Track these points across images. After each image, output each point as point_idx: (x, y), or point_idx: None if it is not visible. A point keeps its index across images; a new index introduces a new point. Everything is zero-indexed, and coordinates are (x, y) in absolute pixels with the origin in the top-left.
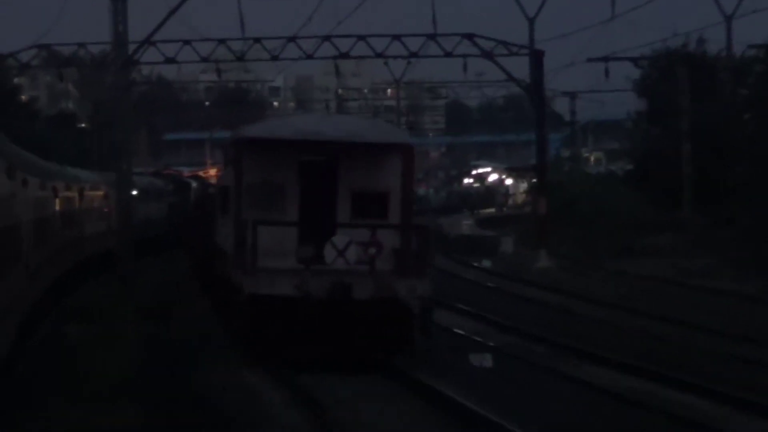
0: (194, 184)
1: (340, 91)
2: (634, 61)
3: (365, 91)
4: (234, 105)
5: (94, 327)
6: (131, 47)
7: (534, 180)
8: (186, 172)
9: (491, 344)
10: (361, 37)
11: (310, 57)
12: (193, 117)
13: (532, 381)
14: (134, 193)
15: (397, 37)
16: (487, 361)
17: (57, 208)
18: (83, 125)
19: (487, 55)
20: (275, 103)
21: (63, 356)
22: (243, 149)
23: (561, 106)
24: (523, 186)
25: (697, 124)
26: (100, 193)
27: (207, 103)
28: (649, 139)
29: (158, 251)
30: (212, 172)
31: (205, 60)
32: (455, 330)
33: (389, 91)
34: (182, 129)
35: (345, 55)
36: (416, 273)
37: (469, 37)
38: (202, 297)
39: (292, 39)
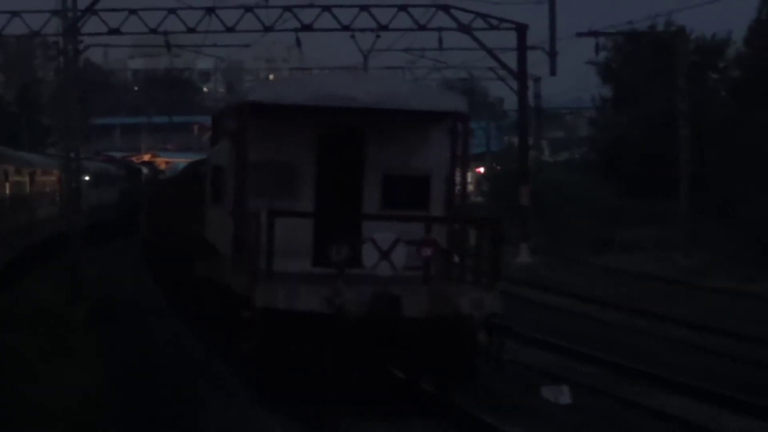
0: (145, 170)
1: (271, 76)
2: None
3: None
4: (165, 89)
5: (39, 336)
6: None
7: (479, 170)
8: (118, 157)
9: (524, 361)
10: (326, 8)
11: (269, 29)
12: (122, 101)
13: (614, 417)
14: (86, 178)
15: (365, 8)
16: (564, 395)
17: (7, 191)
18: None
19: (465, 29)
20: (205, 89)
21: None
22: (246, 117)
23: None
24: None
25: (669, 109)
26: (53, 177)
27: (136, 88)
28: (617, 127)
29: (110, 237)
30: (146, 157)
31: (153, 31)
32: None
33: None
34: (112, 114)
35: (308, 28)
36: (484, 283)
37: (445, 8)
38: (171, 301)
39: (249, 9)
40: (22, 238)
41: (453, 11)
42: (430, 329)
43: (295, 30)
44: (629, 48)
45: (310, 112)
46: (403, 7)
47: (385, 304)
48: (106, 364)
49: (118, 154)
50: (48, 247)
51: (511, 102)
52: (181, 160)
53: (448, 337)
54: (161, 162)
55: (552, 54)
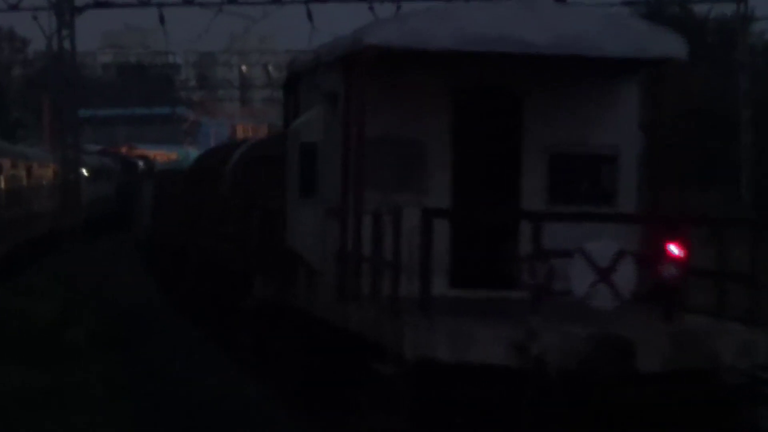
0: (141, 164)
1: (243, 67)
2: None
3: (270, 68)
4: (139, 80)
5: (33, 368)
6: None
7: None
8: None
9: None
10: None
11: (277, 1)
12: (92, 94)
13: None
14: (84, 173)
15: None
16: None
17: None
18: None
19: None
20: (175, 82)
21: None
22: (362, 70)
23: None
24: None
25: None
26: (49, 171)
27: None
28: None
29: (107, 232)
30: (123, 150)
31: (145, 4)
32: None
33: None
34: (83, 106)
35: None
36: (759, 319)
37: None
38: (205, 329)
39: None
40: (18, 233)
41: None
42: (669, 389)
43: (305, 2)
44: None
45: (446, 63)
46: None
47: (611, 354)
48: (129, 413)
49: (94, 147)
50: (45, 241)
51: None
52: (160, 153)
53: (697, 400)
54: (157, 155)
55: None
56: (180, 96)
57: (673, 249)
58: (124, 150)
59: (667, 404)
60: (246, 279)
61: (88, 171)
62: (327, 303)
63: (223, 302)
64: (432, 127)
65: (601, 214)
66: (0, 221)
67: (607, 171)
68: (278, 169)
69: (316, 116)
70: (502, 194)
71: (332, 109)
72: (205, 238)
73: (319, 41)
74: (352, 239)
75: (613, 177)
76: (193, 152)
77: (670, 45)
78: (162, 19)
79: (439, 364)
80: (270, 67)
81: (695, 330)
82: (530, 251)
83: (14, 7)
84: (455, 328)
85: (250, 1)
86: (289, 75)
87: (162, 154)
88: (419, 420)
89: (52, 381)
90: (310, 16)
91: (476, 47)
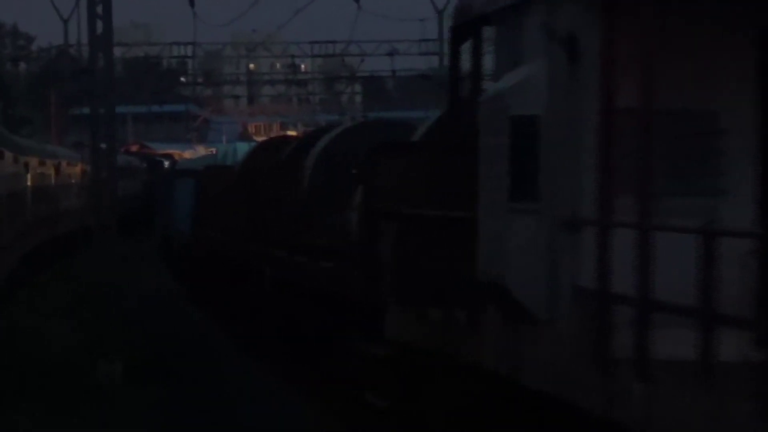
0: (166, 163)
1: (251, 65)
2: None
3: (278, 65)
4: (145, 77)
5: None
6: None
7: None
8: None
9: None
10: None
11: None
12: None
13: None
14: None
15: None
16: None
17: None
18: None
19: None
20: (182, 78)
21: None
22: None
23: None
24: None
25: None
26: (77, 169)
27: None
28: None
29: (135, 232)
30: (134, 148)
31: None
32: None
33: (302, 66)
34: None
35: None
36: None
37: None
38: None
39: None
40: (46, 230)
41: None
42: None
43: None
44: None
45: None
46: None
47: None
48: None
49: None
50: (71, 240)
51: None
52: (174, 152)
53: None
54: (174, 154)
55: None
56: (187, 93)
57: None
58: (134, 148)
59: None
60: (371, 312)
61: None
62: (559, 368)
63: (325, 341)
64: (727, 93)
65: None
66: (26, 219)
67: None
68: (423, 162)
69: (536, 74)
70: None
71: (568, 64)
72: (282, 250)
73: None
74: (613, 268)
75: None
76: (242, 146)
77: None
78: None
79: None
80: (278, 65)
81: None
82: None
83: None
84: None
85: None
86: (464, 18)
87: (178, 153)
88: None
89: None
90: None
91: None
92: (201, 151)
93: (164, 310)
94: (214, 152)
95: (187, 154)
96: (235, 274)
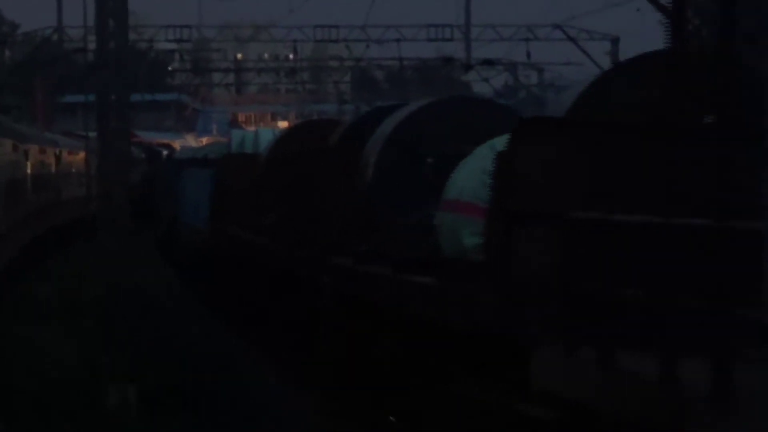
0: (165, 153)
1: (239, 55)
2: None
3: (266, 56)
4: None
5: None
6: None
7: None
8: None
9: None
10: None
11: None
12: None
13: None
14: None
15: None
16: None
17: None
18: None
19: None
20: (169, 67)
21: None
22: None
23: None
24: None
25: None
26: (79, 157)
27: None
28: None
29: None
30: None
31: None
32: None
33: (291, 55)
34: (74, 92)
35: None
36: None
37: None
38: None
39: None
40: (47, 219)
41: None
42: None
43: None
44: None
45: None
46: None
47: None
48: None
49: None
50: (73, 229)
51: None
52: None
53: None
54: (173, 143)
55: None
56: (174, 83)
57: None
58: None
59: None
60: (500, 348)
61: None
62: None
63: (410, 376)
64: None
65: None
66: (26, 208)
67: None
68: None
69: None
70: None
71: None
72: (345, 258)
73: None
74: None
75: None
76: (265, 132)
77: None
78: None
79: None
80: (266, 55)
81: None
82: None
83: None
84: None
85: None
86: None
87: (172, 142)
88: None
89: None
90: None
91: None
92: (190, 140)
93: (177, 318)
94: (227, 140)
95: (177, 144)
96: (274, 282)
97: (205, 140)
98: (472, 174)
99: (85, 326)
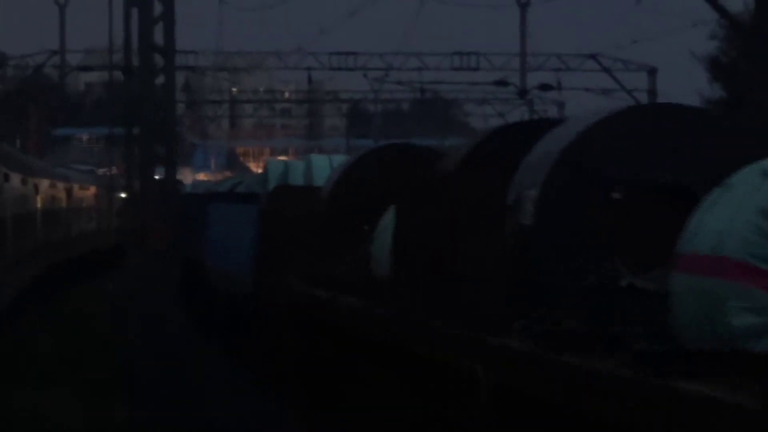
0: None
1: (234, 89)
2: None
3: (261, 90)
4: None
5: None
6: None
7: None
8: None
9: None
10: None
11: None
12: (75, 114)
13: None
14: (123, 195)
15: None
16: None
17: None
18: None
19: None
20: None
21: None
22: None
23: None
24: None
25: None
26: (90, 192)
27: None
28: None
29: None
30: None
31: None
32: None
33: (287, 93)
34: (69, 125)
35: None
36: None
37: None
38: None
39: None
40: (56, 253)
41: None
42: None
43: None
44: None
45: None
46: None
47: None
48: None
49: (85, 167)
50: (83, 263)
51: None
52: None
53: None
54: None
55: None
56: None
57: None
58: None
59: None
60: None
61: (127, 193)
62: None
63: None
64: None
65: None
66: (35, 242)
67: None
68: None
69: None
70: None
71: None
72: (507, 338)
73: None
74: None
75: None
76: (320, 159)
77: None
78: None
79: None
80: (261, 90)
81: None
82: None
83: None
84: None
85: None
86: None
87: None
88: None
89: None
90: None
91: None
92: (187, 174)
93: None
94: (261, 172)
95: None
96: (382, 367)
97: (202, 175)
98: (737, 215)
99: (103, 395)
